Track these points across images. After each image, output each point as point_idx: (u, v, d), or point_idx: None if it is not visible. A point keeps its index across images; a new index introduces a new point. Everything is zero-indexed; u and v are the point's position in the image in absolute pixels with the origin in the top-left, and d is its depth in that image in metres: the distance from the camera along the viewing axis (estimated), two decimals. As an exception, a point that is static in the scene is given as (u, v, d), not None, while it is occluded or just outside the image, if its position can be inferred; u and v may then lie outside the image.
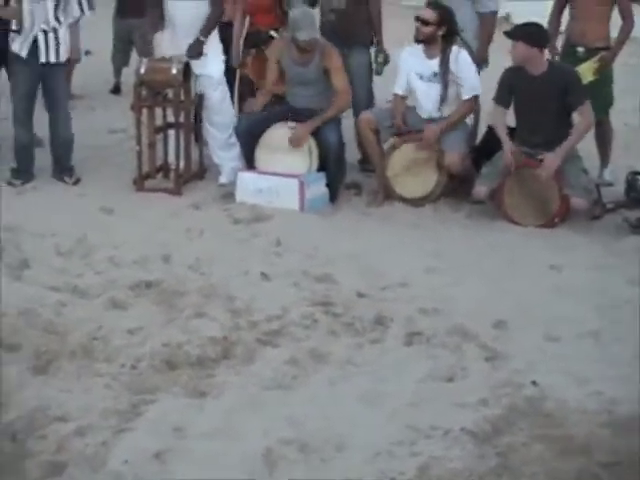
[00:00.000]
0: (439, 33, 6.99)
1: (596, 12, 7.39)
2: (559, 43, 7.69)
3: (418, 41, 7.08)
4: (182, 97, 7.22)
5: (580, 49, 7.50)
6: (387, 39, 7.82)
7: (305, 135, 7.05)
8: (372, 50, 7.87)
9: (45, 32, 7.09)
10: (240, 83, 8.17)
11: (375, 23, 7.78)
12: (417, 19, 7.04)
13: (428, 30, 6.98)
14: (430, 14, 6.99)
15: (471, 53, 7.17)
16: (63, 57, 7.28)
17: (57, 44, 7.18)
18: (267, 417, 4.13)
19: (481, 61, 7.52)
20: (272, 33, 7.78)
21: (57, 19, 7.16)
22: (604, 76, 7.52)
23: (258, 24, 7.96)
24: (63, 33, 7.24)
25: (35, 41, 7.07)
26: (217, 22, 7.32)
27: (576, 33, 7.51)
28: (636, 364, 4.65)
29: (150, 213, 6.77)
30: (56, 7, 7.12)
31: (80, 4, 7.34)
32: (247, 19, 8.07)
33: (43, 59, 7.13)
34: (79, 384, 4.37)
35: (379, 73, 7.84)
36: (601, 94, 7.51)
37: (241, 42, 8.05)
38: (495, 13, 7.63)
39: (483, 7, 7.53)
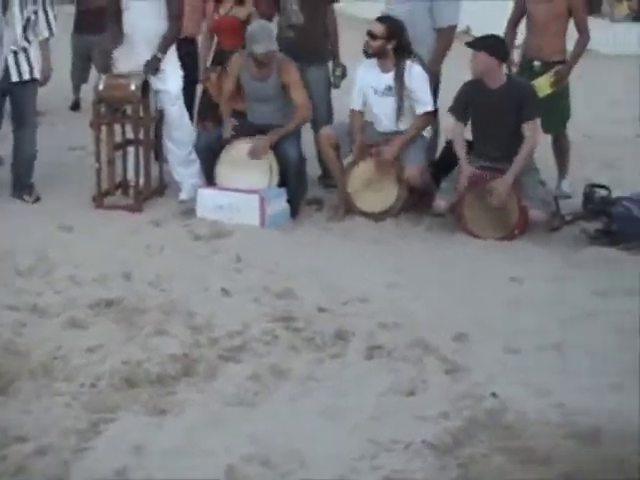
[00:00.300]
0: (388, 47, 7.02)
1: (552, 26, 7.47)
2: (515, 57, 7.76)
3: (367, 55, 7.12)
4: (141, 113, 7.21)
5: (537, 63, 7.57)
6: (344, 52, 7.86)
7: (265, 147, 7.05)
8: (330, 64, 7.90)
9: (15, 52, 7.09)
10: (202, 99, 8.17)
11: (332, 37, 7.84)
12: (367, 33, 7.08)
13: (376, 44, 7.02)
14: (379, 28, 7.02)
15: (424, 67, 7.19)
16: (34, 75, 7.27)
17: (28, 63, 7.20)
18: (229, 434, 4.11)
19: (433, 75, 7.50)
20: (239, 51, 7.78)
21: (26, 39, 7.17)
22: (561, 90, 7.59)
23: (224, 44, 7.95)
24: (33, 52, 7.25)
25: (5, 62, 7.07)
26: (175, 38, 7.32)
27: (532, 47, 7.59)
28: (597, 375, 4.69)
29: (110, 230, 6.74)
30: (25, 28, 7.12)
31: (49, 25, 7.31)
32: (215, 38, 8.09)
33: (14, 79, 7.13)
34: (39, 404, 4.33)
35: (337, 87, 7.88)
36: (558, 108, 7.59)
37: (209, 59, 8.06)
38: (454, 27, 7.59)
39: (441, 21, 7.51)
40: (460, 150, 6.89)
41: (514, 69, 7.64)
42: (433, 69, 7.48)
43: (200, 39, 8.28)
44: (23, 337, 4.98)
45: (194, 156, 7.35)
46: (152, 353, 4.77)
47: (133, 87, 7.03)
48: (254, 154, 7.05)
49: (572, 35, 7.64)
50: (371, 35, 7.04)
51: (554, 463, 3.88)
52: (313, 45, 7.68)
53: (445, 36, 7.50)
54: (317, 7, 7.70)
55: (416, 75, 7.07)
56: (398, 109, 7.11)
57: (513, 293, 5.78)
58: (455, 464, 3.86)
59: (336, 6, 7.96)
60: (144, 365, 4.65)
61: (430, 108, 7.10)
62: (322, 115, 7.75)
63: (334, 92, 7.94)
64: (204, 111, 8.02)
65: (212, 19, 7.96)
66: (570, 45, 7.65)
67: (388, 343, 4.99)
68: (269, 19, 7.84)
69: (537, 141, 6.91)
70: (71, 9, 10.74)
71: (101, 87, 7.10)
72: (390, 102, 7.13)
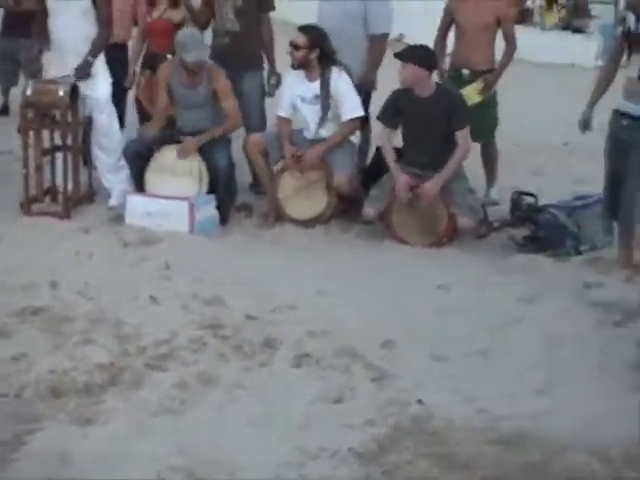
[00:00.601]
0: (312, 56, 7.05)
1: (480, 36, 7.56)
2: (446, 65, 7.83)
3: (293, 66, 7.13)
4: (69, 119, 7.13)
5: (465, 72, 7.65)
6: (279, 60, 7.83)
7: (193, 147, 7.04)
8: (264, 72, 7.90)
9: None
10: (137, 104, 8.14)
11: (267, 45, 7.82)
12: (290, 44, 7.08)
13: (300, 54, 7.04)
14: (301, 38, 7.04)
15: (349, 74, 7.20)
16: None
17: None
18: (155, 443, 4.09)
19: (369, 84, 7.56)
20: (169, 57, 7.75)
21: None
22: (489, 99, 7.69)
23: (155, 47, 7.94)
24: None
25: None
26: (105, 43, 7.25)
27: (461, 56, 7.67)
28: (522, 381, 4.75)
29: (38, 237, 6.65)
30: None
31: None
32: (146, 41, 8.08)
33: None
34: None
35: (272, 95, 7.84)
36: (486, 116, 7.69)
37: (138, 63, 8.03)
38: (386, 35, 7.64)
39: (374, 29, 7.54)
40: (389, 157, 6.93)
41: (445, 77, 7.72)
42: (368, 77, 7.53)
43: (131, 43, 8.23)
44: (-56, 345, 4.91)
45: (123, 162, 7.29)
46: (79, 362, 4.73)
47: (62, 92, 6.94)
48: (182, 154, 7.04)
49: (501, 44, 7.74)
50: (294, 46, 7.05)
51: (478, 468, 3.93)
52: (248, 52, 7.68)
53: (378, 44, 7.54)
54: (253, 15, 7.68)
55: (342, 83, 7.10)
56: (322, 117, 7.14)
57: (441, 300, 5.83)
58: (380, 471, 3.89)
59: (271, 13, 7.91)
60: (70, 374, 4.62)
61: (356, 114, 7.12)
62: (255, 123, 7.74)
63: (268, 100, 7.92)
64: (143, 117, 8.00)
65: (144, 22, 7.94)
66: (499, 54, 7.75)
67: (316, 351, 5.00)
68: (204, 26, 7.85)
69: (469, 148, 6.98)
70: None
71: (29, 92, 7.00)
72: (317, 110, 7.16)
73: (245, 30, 7.64)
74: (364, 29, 7.53)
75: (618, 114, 6.09)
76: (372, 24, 7.53)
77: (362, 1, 7.45)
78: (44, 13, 7.20)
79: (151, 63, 7.83)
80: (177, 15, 7.83)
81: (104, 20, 7.15)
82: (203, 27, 7.87)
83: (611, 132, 6.15)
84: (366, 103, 7.46)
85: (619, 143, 6.02)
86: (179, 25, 7.67)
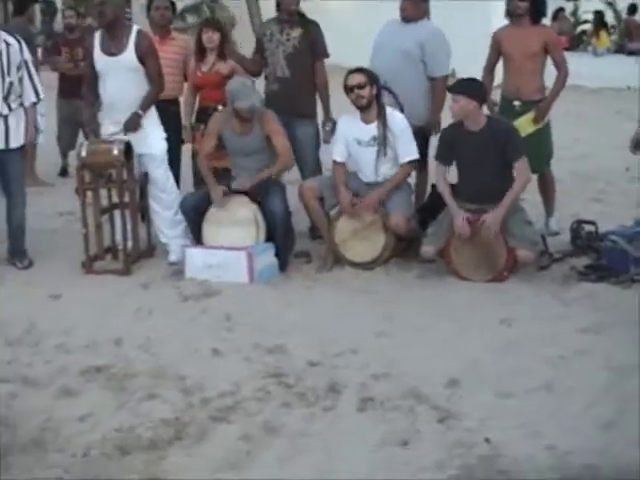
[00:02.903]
0: (374, 92, 7.05)
1: (529, 66, 7.55)
2: (496, 98, 7.81)
3: (362, 107, 7.10)
4: (125, 177, 7.23)
5: (516, 103, 7.63)
6: (335, 107, 7.86)
7: (249, 184, 7.08)
8: (319, 119, 7.92)
9: None
10: (194, 160, 8.20)
11: (321, 91, 7.85)
12: (350, 89, 7.05)
13: (366, 92, 7.02)
14: (360, 77, 7.04)
15: (401, 109, 7.25)
16: (13, 144, 7.30)
17: (6, 131, 7.24)
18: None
19: (433, 126, 7.55)
20: (220, 108, 7.84)
21: (8, 106, 7.22)
22: (543, 128, 7.65)
23: (206, 100, 8.03)
24: (14, 120, 7.28)
25: None
26: (156, 98, 7.34)
27: (511, 88, 7.65)
28: (589, 414, 4.67)
29: (99, 295, 6.71)
30: (7, 94, 7.17)
31: (35, 89, 7.36)
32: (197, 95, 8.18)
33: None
34: (31, 478, 4.31)
35: (327, 142, 7.80)
36: (542, 146, 7.65)
37: (192, 118, 8.13)
38: (446, 77, 7.61)
39: (434, 71, 7.55)
40: (445, 193, 6.91)
41: (495, 110, 7.70)
42: (433, 120, 7.55)
43: (182, 99, 8.34)
44: (13, 409, 4.95)
45: (180, 217, 7.35)
46: (144, 418, 4.76)
47: (116, 152, 7.04)
48: (240, 186, 7.11)
49: (553, 72, 7.71)
50: (358, 87, 7.02)
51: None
52: (300, 99, 7.71)
53: (440, 86, 7.51)
54: (305, 61, 7.74)
55: (398, 122, 7.11)
56: (381, 157, 7.13)
57: (503, 335, 5.78)
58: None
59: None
60: (136, 431, 4.64)
61: (413, 157, 7.12)
62: (310, 170, 7.81)
63: (323, 146, 7.93)
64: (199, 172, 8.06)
65: (195, 76, 8.05)
66: (551, 82, 7.71)
67: (380, 394, 4.97)
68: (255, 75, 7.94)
69: (529, 178, 6.94)
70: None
71: (84, 153, 7.11)
72: (375, 152, 7.16)
73: (297, 76, 7.70)
74: (421, 70, 7.55)
75: None
76: (432, 66, 7.54)
77: (419, 42, 7.47)
78: (94, 74, 7.31)
79: (204, 117, 7.90)
80: (225, 67, 7.93)
81: (154, 77, 7.25)
82: (256, 75, 7.96)
83: None
84: (426, 144, 7.43)
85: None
86: (228, 77, 7.75)
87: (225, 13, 20.63)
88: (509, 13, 7.66)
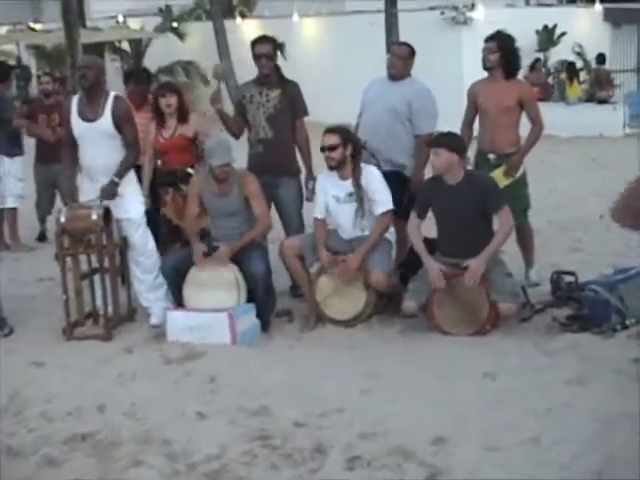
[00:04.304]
0: (347, 153, 7.09)
1: (503, 120, 7.61)
2: (469, 154, 7.86)
3: (332, 168, 7.15)
4: (104, 242, 7.22)
5: (491, 156, 7.69)
6: (318, 163, 7.87)
7: (226, 255, 7.07)
8: (301, 177, 7.96)
9: None
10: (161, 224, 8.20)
11: (303, 150, 7.89)
12: (322, 149, 7.11)
13: (338, 154, 7.07)
14: (333, 138, 7.08)
15: (378, 166, 7.35)
16: None
17: None
18: None
19: (417, 183, 7.56)
20: (189, 170, 7.86)
21: None
22: (519, 180, 7.69)
23: (172, 163, 8.02)
24: None
25: None
26: (132, 164, 7.35)
27: (486, 141, 7.72)
28: (577, 465, 4.66)
29: (82, 362, 6.67)
30: None
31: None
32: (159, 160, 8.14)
33: None
34: None
35: (310, 200, 7.81)
36: (518, 198, 7.69)
37: (146, 183, 8.06)
38: (431, 135, 7.53)
39: (419, 129, 7.63)
40: (418, 245, 6.94)
41: (469, 166, 7.75)
42: (417, 177, 7.60)
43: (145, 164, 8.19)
44: (-2, 481, 4.91)
45: (161, 280, 7.35)
46: (130, 486, 4.72)
47: (95, 217, 7.04)
48: (216, 262, 7.08)
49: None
50: (329, 148, 7.07)
51: None
52: (282, 159, 7.77)
53: (424, 143, 7.50)
54: (285, 121, 7.78)
55: (372, 177, 7.15)
56: (358, 213, 7.16)
57: (488, 389, 5.76)
58: None
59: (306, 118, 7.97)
60: (122, 499, 4.60)
61: (388, 207, 7.14)
62: (293, 228, 7.83)
63: (306, 203, 7.95)
64: (167, 235, 8.05)
65: (157, 142, 8.04)
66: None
67: (367, 453, 4.94)
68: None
69: (512, 226, 6.97)
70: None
71: (63, 219, 7.11)
72: (353, 208, 7.19)
73: (279, 136, 7.74)
74: (408, 127, 7.63)
75: None
76: (418, 124, 7.63)
77: (407, 100, 7.57)
78: (71, 139, 7.32)
79: (171, 180, 7.91)
80: (189, 130, 7.94)
81: (130, 143, 7.26)
82: (236, 136, 7.98)
83: None
84: (410, 199, 7.45)
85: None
86: (193, 139, 7.78)
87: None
88: (483, 66, 7.73)
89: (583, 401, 5.44)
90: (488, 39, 7.71)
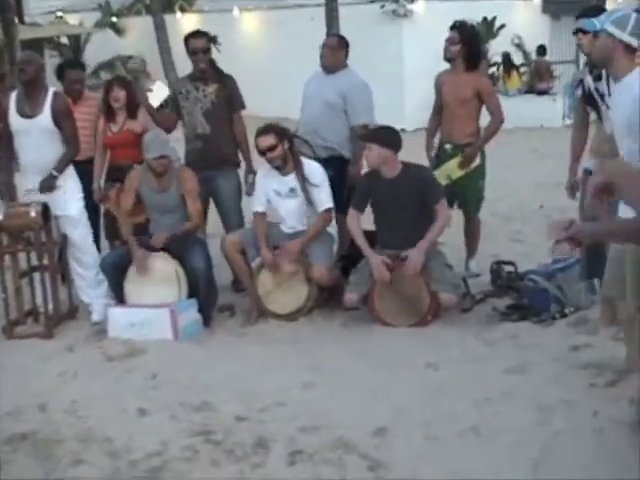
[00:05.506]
0: (286, 147, 7.08)
1: (461, 111, 7.66)
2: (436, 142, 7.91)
3: (278, 168, 7.14)
4: (44, 239, 7.15)
5: (448, 146, 7.74)
6: (256, 158, 7.80)
7: (162, 238, 7.07)
8: (240, 171, 7.94)
9: None
10: (105, 218, 8.16)
11: (242, 144, 7.85)
12: (261, 152, 7.09)
13: (278, 152, 7.05)
14: (269, 140, 7.04)
15: (313, 153, 7.38)
16: None
17: None
18: None
19: (354, 175, 7.57)
20: (135, 166, 7.81)
21: None
22: (475, 172, 7.71)
23: (119, 158, 7.97)
24: None
25: None
26: (70, 160, 7.27)
27: (444, 131, 7.81)
28: (517, 454, 4.70)
29: (22, 360, 6.60)
30: None
31: None
32: (108, 154, 8.10)
33: None
34: None
35: (250, 194, 7.75)
36: (472, 189, 7.73)
37: (102, 177, 8.06)
38: (365, 126, 7.57)
39: (355, 120, 7.64)
40: (358, 238, 6.94)
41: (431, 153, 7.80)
42: (353, 170, 7.60)
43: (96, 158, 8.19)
44: (-63, 485, 4.85)
45: (102, 276, 7.30)
46: (70, 485, 4.69)
47: (33, 214, 6.97)
48: (154, 244, 7.11)
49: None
50: (268, 149, 7.03)
51: None
52: (221, 153, 7.73)
53: (357, 135, 7.51)
54: (222, 115, 7.75)
55: (316, 173, 7.14)
56: (304, 208, 7.18)
57: (430, 380, 5.80)
58: None
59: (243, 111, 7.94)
60: (63, 499, 4.56)
61: (329, 205, 7.15)
62: (232, 222, 7.80)
63: (246, 197, 7.91)
64: (111, 230, 7.99)
65: (105, 136, 7.99)
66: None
67: (309, 447, 4.95)
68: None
69: (449, 218, 7.01)
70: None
71: (1, 217, 7.03)
72: (294, 203, 7.20)
73: (216, 131, 7.71)
74: (344, 120, 7.64)
75: (588, 173, 6.18)
76: (352, 116, 7.63)
77: (341, 93, 7.59)
78: (9, 135, 7.24)
79: (118, 175, 7.85)
80: (137, 125, 7.89)
81: (69, 139, 7.20)
82: (168, 130, 7.91)
83: (583, 190, 6.19)
84: (351, 193, 7.46)
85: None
86: (141, 135, 7.73)
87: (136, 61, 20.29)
88: (444, 57, 7.75)
89: (523, 389, 5.50)
90: (451, 29, 7.72)
